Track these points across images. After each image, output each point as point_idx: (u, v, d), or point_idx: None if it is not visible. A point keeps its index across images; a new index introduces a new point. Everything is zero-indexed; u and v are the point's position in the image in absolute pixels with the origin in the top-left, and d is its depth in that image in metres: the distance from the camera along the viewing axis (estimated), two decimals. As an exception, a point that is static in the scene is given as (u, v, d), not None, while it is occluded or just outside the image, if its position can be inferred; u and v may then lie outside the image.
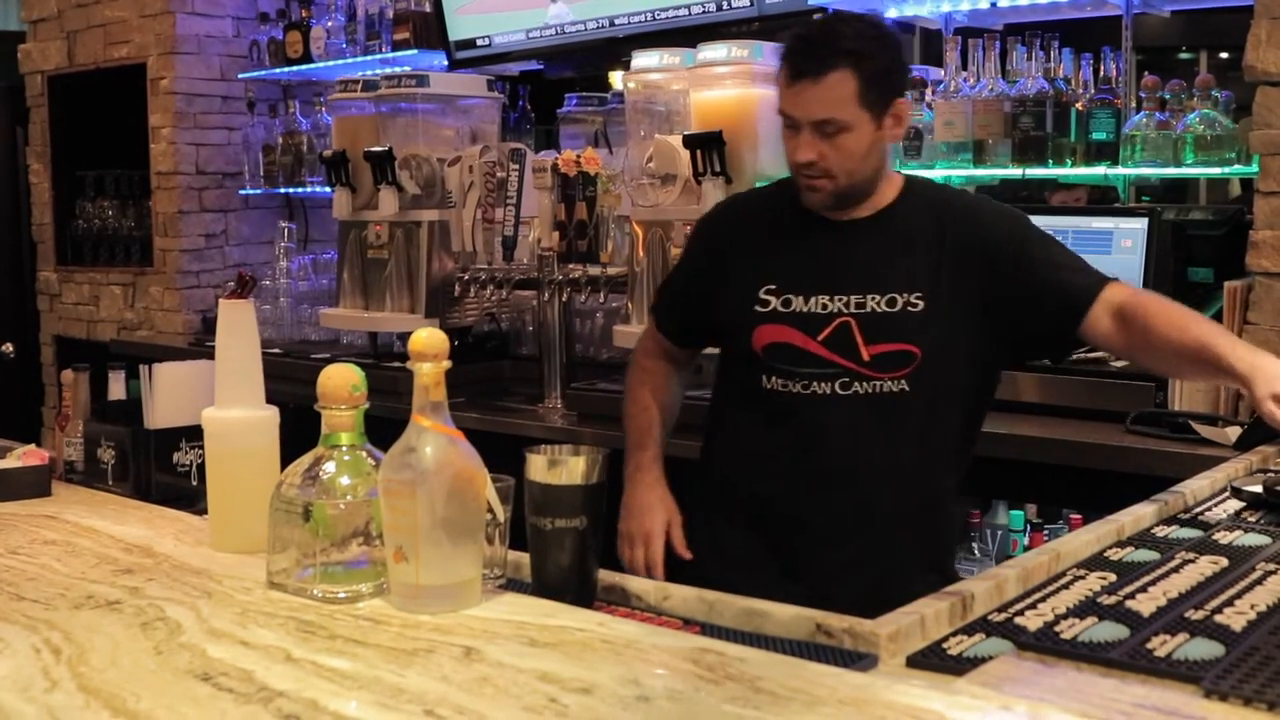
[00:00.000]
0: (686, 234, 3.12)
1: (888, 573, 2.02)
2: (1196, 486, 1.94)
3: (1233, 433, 2.39)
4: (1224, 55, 5.82)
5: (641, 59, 3.53)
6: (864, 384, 2.03)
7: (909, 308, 2.03)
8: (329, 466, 1.46)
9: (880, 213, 2.11)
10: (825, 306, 2.05)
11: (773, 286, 2.09)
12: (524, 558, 1.50)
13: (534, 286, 3.70)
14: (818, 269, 2.09)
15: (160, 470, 2.12)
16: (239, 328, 1.75)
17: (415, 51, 4.48)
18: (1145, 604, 1.36)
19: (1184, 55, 6.31)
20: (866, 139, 2.03)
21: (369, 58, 4.60)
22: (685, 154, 3.31)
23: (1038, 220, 3.01)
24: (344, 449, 1.47)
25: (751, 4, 3.67)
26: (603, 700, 1.12)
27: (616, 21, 4.03)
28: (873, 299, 2.04)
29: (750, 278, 2.12)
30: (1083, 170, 3.08)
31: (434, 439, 1.37)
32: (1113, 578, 1.48)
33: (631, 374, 2.38)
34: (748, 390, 2.13)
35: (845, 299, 2.05)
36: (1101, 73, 3.10)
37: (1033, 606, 1.38)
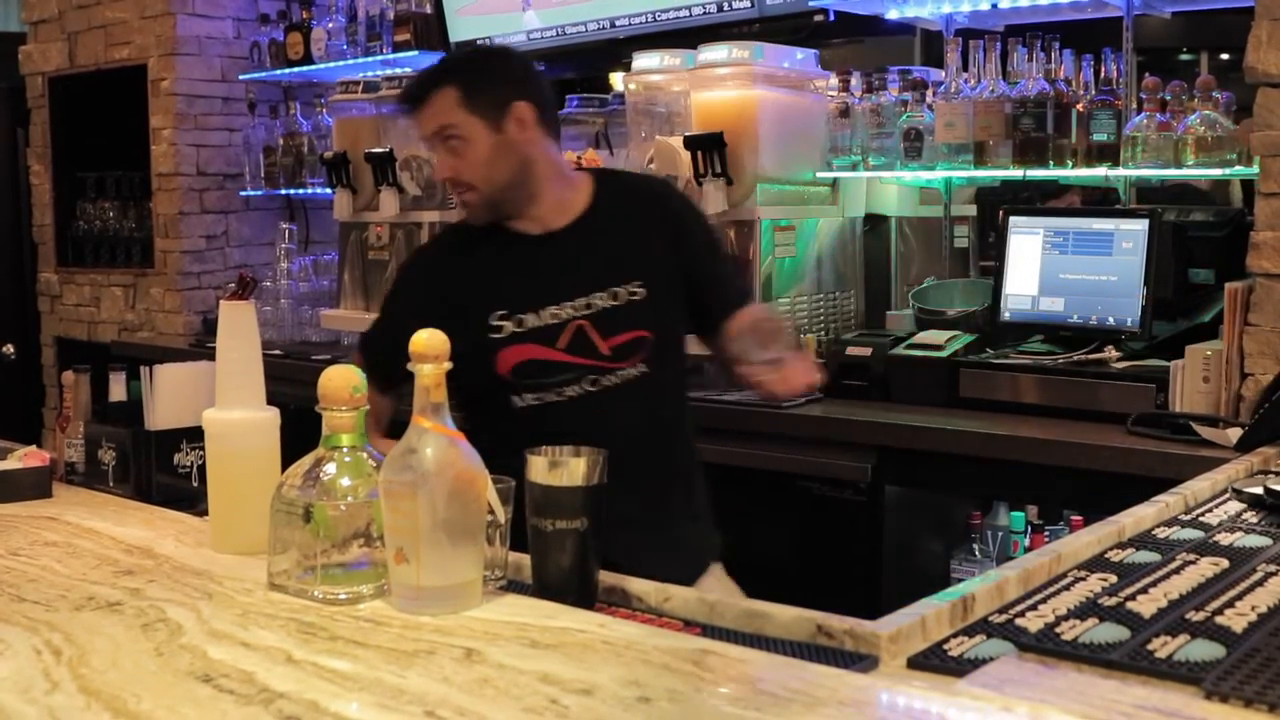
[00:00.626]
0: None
1: (666, 540, 2.17)
2: (1197, 488, 1.94)
3: (1233, 434, 2.39)
4: (1225, 56, 5.81)
5: (642, 60, 3.54)
6: (610, 376, 2.16)
7: (632, 297, 2.17)
8: (330, 468, 1.46)
9: (580, 217, 2.22)
10: (556, 316, 2.15)
11: (503, 312, 2.15)
12: (525, 559, 1.50)
13: (535, 288, 3.70)
14: (541, 284, 2.18)
15: (161, 471, 2.12)
16: (240, 329, 1.75)
17: (416, 53, 4.48)
18: (1146, 605, 1.36)
19: (1185, 56, 6.30)
20: (486, 144, 2.14)
21: (370, 59, 4.60)
22: (686, 155, 3.31)
23: (1040, 221, 3.04)
24: (345, 450, 1.47)
25: (752, 5, 3.67)
26: (604, 701, 1.12)
27: (618, 23, 4.03)
28: (597, 297, 2.15)
29: (476, 311, 2.16)
30: (1084, 171, 3.08)
31: (435, 440, 1.37)
32: (1114, 579, 1.48)
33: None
34: (501, 411, 2.15)
35: (573, 304, 2.15)
36: (1102, 74, 3.10)
37: (1034, 608, 1.38)
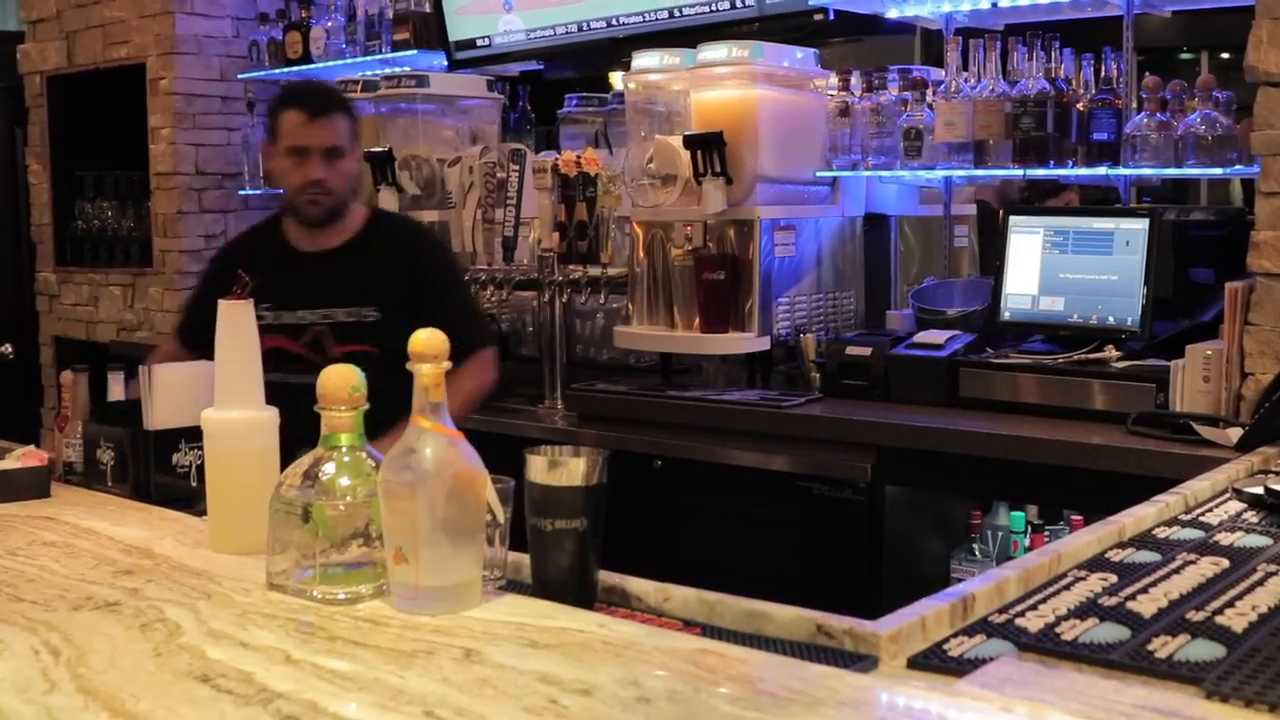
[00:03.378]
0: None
1: None
2: (1197, 487, 1.94)
3: (1234, 434, 2.39)
4: (1225, 56, 5.82)
5: (642, 59, 3.53)
6: None
7: (365, 318, 2.75)
8: (328, 467, 1.46)
9: (346, 244, 2.81)
10: (303, 319, 2.76)
11: (267, 304, 2.57)
12: (524, 559, 1.50)
13: (534, 287, 3.70)
14: (298, 290, 2.76)
15: (159, 471, 2.12)
16: (238, 329, 1.75)
17: (415, 52, 4.48)
18: (1146, 605, 1.36)
19: (1185, 56, 6.31)
20: (354, 166, 2.85)
21: (369, 58, 4.60)
22: (685, 154, 3.31)
23: (1040, 221, 3.03)
24: (344, 450, 1.47)
25: (753, 4, 3.67)
26: (603, 702, 1.12)
27: (617, 22, 4.03)
28: (337, 312, 2.76)
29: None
30: (1084, 171, 3.08)
31: (434, 440, 1.37)
32: (1114, 579, 1.47)
33: None
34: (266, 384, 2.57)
35: (316, 313, 2.76)
36: (1102, 73, 3.10)
37: (1034, 608, 1.38)
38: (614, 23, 4.04)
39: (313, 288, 2.77)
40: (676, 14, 3.86)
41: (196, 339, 2.72)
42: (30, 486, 2.05)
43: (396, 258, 2.80)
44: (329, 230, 2.81)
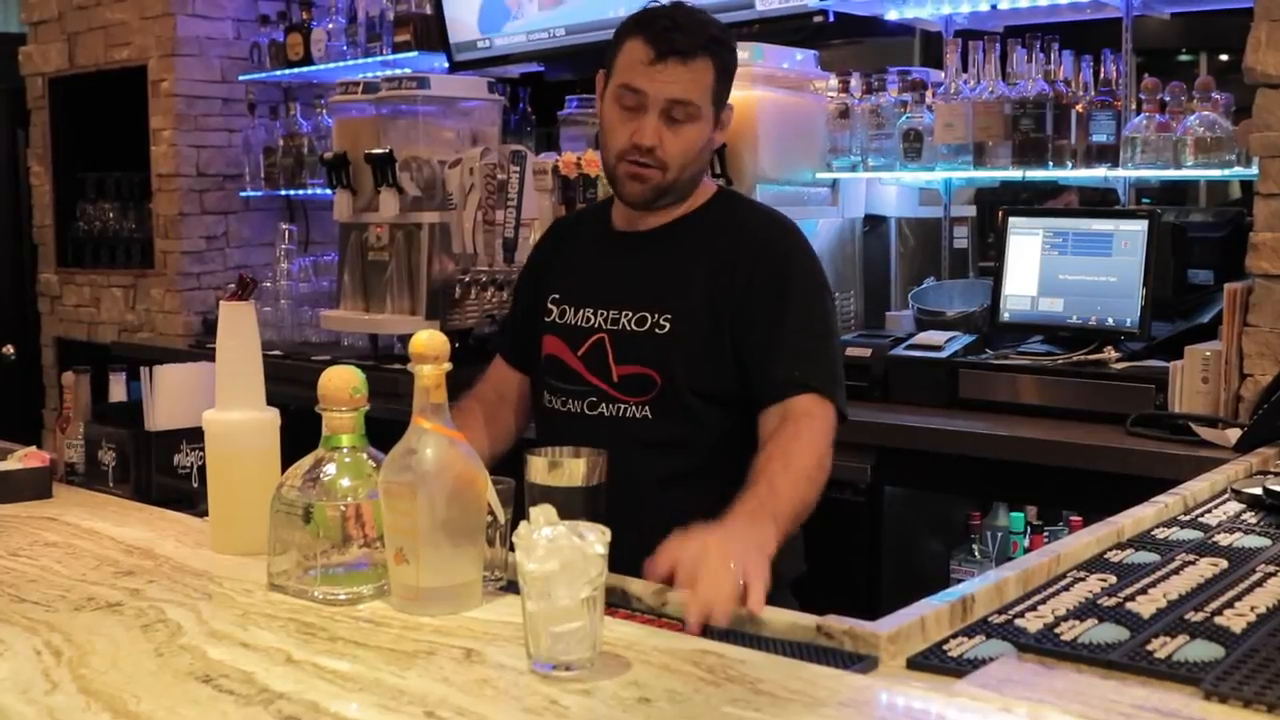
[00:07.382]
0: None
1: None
2: (1196, 488, 1.95)
3: (1232, 435, 2.39)
4: (1224, 57, 5.82)
5: (642, 61, 3.53)
6: (610, 406, 1.94)
7: (656, 329, 1.93)
8: (329, 468, 1.47)
9: (666, 226, 2.02)
10: (588, 320, 1.99)
11: (556, 295, 2.05)
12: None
13: (534, 288, 3.71)
14: (588, 281, 2.04)
15: (161, 472, 2.12)
16: (239, 330, 1.75)
17: (416, 53, 4.48)
18: (1145, 606, 1.36)
19: (1184, 57, 6.31)
20: (706, 134, 1.99)
21: (369, 60, 4.60)
22: (685, 156, 3.31)
23: (1039, 222, 3.04)
24: (344, 451, 1.47)
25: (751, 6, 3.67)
26: (603, 702, 1.12)
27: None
28: (626, 315, 1.96)
29: (546, 288, 2.09)
30: (1083, 172, 3.08)
31: (435, 441, 1.37)
32: (1113, 579, 1.48)
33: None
34: (537, 408, 2.07)
35: (604, 314, 1.98)
36: (1101, 75, 3.10)
37: (1033, 608, 1.38)
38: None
39: (605, 280, 2.02)
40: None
41: (517, 347, 2.16)
42: (32, 487, 2.05)
43: (724, 255, 1.96)
44: (655, 210, 2.02)
